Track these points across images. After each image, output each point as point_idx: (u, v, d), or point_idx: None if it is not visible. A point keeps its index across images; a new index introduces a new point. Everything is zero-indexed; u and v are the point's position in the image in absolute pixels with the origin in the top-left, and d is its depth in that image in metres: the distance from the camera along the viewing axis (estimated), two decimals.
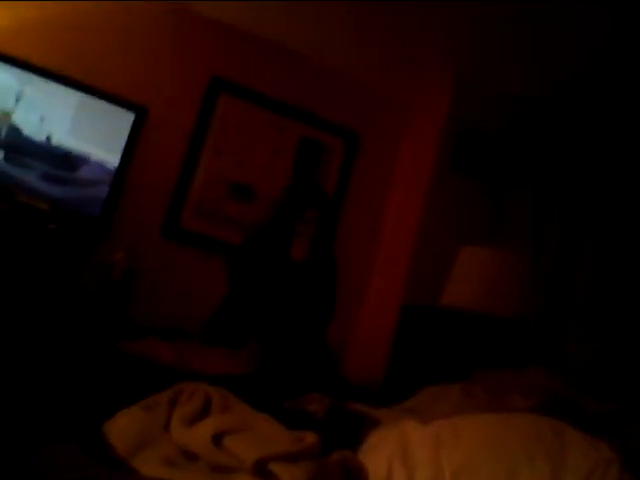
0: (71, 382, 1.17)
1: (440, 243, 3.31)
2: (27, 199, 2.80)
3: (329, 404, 1.69)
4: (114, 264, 2.79)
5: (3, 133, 2.91)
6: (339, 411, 1.66)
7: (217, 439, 0.94)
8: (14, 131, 2.92)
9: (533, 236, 3.30)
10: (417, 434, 1.35)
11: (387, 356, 3.23)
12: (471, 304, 2.96)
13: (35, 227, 2.71)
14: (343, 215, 3.59)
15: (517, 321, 2.87)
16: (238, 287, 2.33)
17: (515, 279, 2.97)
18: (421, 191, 3.51)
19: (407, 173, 3.70)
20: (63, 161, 2.98)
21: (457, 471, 1.26)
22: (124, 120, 3.07)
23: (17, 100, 2.93)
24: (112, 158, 3.03)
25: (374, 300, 3.56)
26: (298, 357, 2.31)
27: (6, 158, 2.89)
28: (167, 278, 3.11)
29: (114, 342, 1.57)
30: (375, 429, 1.53)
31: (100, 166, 3.02)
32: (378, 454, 1.30)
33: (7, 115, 2.91)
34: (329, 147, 3.63)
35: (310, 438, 1.02)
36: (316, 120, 3.59)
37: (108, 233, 2.99)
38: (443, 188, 3.43)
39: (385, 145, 3.72)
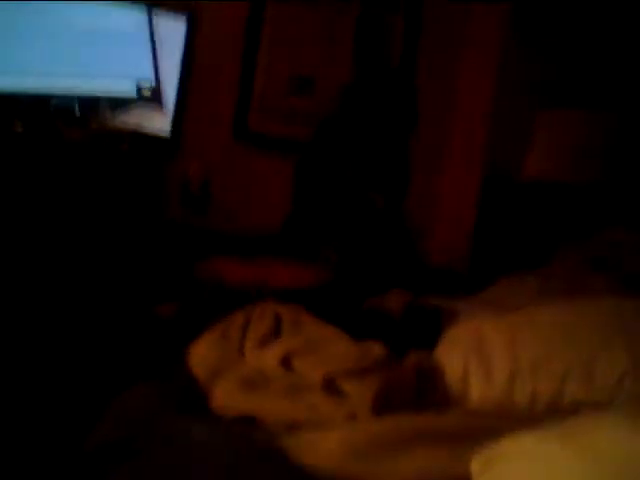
0: (149, 312, 1.25)
1: (518, 110, 3.15)
2: (99, 125, 2.87)
3: (407, 302, 1.72)
4: (190, 177, 2.85)
5: None
6: (417, 308, 1.69)
7: (286, 361, 0.98)
8: None
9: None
10: (492, 328, 1.35)
11: (471, 233, 3.20)
12: (556, 172, 2.85)
13: (110, 151, 2.80)
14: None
15: (606, 184, 2.73)
16: (303, 191, 2.34)
17: (602, 139, 2.81)
18: (492, 57, 3.32)
19: (476, 38, 3.48)
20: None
21: (535, 362, 1.26)
22: (177, 29, 3.00)
23: None
24: (173, 69, 3.01)
25: (454, 173, 3.47)
26: (376, 249, 2.34)
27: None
28: (243, 184, 3.15)
29: (191, 266, 1.64)
30: (453, 322, 1.55)
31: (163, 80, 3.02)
32: (454, 351, 1.32)
33: None
34: (389, 24, 3.43)
35: (376, 350, 1.05)
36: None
37: (178, 147, 3.02)
38: (513, 55, 3.22)
39: (449, 16, 3.47)
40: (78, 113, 2.83)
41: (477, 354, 1.30)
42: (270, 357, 1.00)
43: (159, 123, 2.96)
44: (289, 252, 2.12)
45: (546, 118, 2.93)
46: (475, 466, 0.79)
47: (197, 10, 3.04)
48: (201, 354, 1.04)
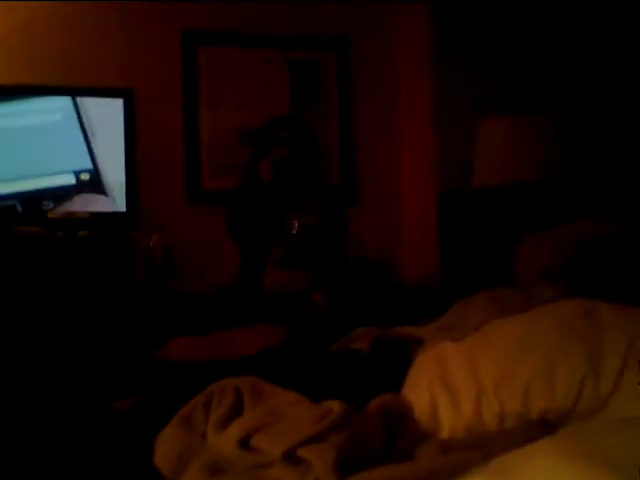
0: (108, 402, 1.26)
1: (460, 121, 3.23)
2: (58, 214, 2.91)
3: (373, 337, 1.74)
4: (152, 248, 2.88)
5: None
6: (384, 341, 1.71)
7: (244, 442, 1.00)
8: None
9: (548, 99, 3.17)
10: (451, 354, 1.38)
11: (437, 249, 3.25)
12: (504, 177, 2.91)
13: (69, 238, 2.82)
14: (356, 122, 3.54)
15: (553, 182, 2.81)
16: (238, 235, 2.42)
17: (542, 141, 2.89)
18: (426, 73, 3.40)
19: (408, 60, 3.57)
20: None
21: (497, 381, 1.29)
22: (115, 109, 3.05)
23: None
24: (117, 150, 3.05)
25: (411, 196, 3.54)
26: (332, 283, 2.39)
27: None
28: (205, 242, 3.17)
29: (151, 349, 1.66)
30: (419, 352, 1.58)
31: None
32: (419, 385, 1.34)
33: None
34: (321, 61, 3.52)
35: (336, 408, 1.07)
36: (301, 40, 3.47)
37: (136, 220, 3.05)
38: (448, 65, 3.30)
39: (378, 42, 3.57)
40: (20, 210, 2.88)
41: (442, 384, 1.33)
42: (228, 440, 1.01)
43: (104, 206, 3.00)
44: (249, 305, 2.19)
45: (486, 126, 3.00)
46: None
47: (133, 89, 3.10)
48: (165, 449, 1.05)
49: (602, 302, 1.40)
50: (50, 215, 2.95)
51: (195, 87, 3.36)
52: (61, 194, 2.98)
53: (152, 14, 3.25)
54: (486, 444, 1.13)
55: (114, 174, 3.03)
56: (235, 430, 1.02)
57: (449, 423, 1.27)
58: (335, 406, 1.08)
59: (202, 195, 3.34)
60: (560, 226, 2.36)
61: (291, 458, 0.97)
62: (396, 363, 1.57)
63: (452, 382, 1.32)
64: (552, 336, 1.32)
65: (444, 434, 1.26)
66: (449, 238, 3.09)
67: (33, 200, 2.95)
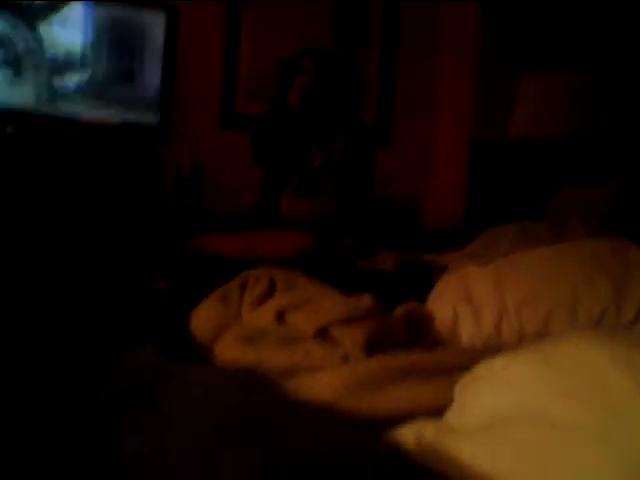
0: (150, 285, 1.31)
1: (501, 75, 3.21)
2: (91, 121, 2.94)
3: (398, 260, 1.78)
4: (182, 163, 2.91)
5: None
6: (408, 264, 1.75)
7: (280, 316, 1.05)
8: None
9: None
10: (478, 275, 1.42)
11: (464, 197, 3.26)
12: (540, 131, 2.90)
13: (103, 145, 2.86)
14: (397, 63, 3.52)
15: (590, 139, 2.79)
16: (262, 161, 2.44)
17: (580, 98, 2.87)
18: (472, 24, 3.35)
19: (455, 9, 3.52)
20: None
21: (520, 303, 1.32)
22: (157, 23, 3.04)
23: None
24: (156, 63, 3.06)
25: (444, 142, 3.53)
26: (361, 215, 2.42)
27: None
28: (234, 165, 3.20)
29: (186, 242, 1.70)
30: (443, 275, 1.62)
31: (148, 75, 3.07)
32: (443, 300, 1.38)
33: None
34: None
35: (367, 300, 1.11)
36: None
37: (170, 135, 3.08)
38: (495, 18, 3.26)
39: None
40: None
41: (465, 300, 1.36)
42: (265, 314, 1.06)
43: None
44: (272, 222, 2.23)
45: (528, 81, 2.98)
46: (456, 390, 0.86)
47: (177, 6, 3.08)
48: (201, 318, 1.11)
49: (632, 243, 1.42)
50: (84, 120, 2.97)
51: (238, 12, 3.34)
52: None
53: None
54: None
55: (150, 87, 3.04)
56: (272, 305, 1.06)
57: (468, 336, 1.31)
58: (366, 298, 1.12)
59: (234, 118, 3.35)
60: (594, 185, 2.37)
61: (322, 335, 1.01)
62: (419, 284, 1.60)
63: (475, 299, 1.36)
64: (579, 267, 1.35)
65: (463, 345, 1.31)
66: (478, 185, 3.10)
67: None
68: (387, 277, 1.67)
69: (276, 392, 0.82)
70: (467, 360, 1.05)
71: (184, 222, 2.51)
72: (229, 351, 1.00)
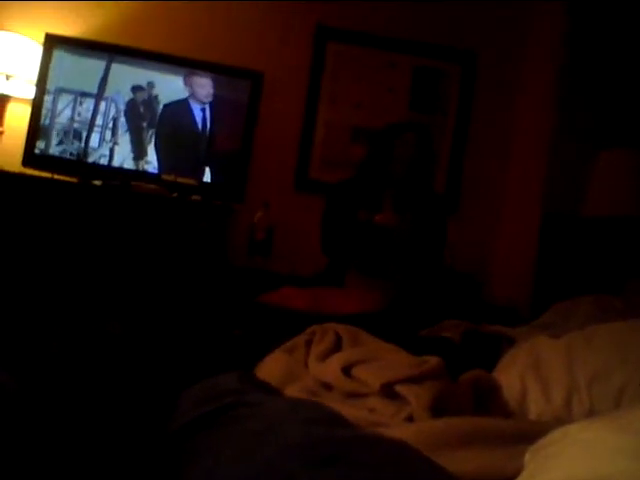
0: (224, 333, 1.34)
1: (574, 150, 3.19)
2: (173, 177, 3.09)
3: (465, 328, 1.76)
4: (255, 224, 3.00)
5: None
6: (475, 334, 1.73)
7: (346, 370, 1.06)
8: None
9: None
10: (548, 347, 1.38)
11: (532, 272, 3.20)
12: (617, 210, 2.85)
13: (181, 201, 2.99)
14: (470, 133, 3.56)
15: None
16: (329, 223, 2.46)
17: None
18: (549, 98, 3.37)
19: (531, 83, 3.56)
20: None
21: (592, 378, 1.28)
22: (243, 88, 3.22)
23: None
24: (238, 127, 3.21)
25: (512, 215, 3.51)
26: (429, 286, 2.39)
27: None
28: (304, 229, 3.27)
29: (256, 296, 1.74)
30: (511, 346, 1.58)
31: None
32: (511, 370, 1.35)
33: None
34: (445, 72, 3.57)
35: (434, 361, 1.10)
36: (428, 48, 3.54)
37: (243, 196, 3.19)
38: (570, 92, 3.27)
39: (505, 62, 3.59)
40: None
41: (534, 372, 1.33)
42: (331, 367, 1.07)
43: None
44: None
45: (606, 157, 2.96)
46: (527, 456, 0.83)
47: (262, 72, 3.26)
48: (268, 368, 1.13)
49: None
50: (164, 177, 3.13)
51: (319, 80, 3.49)
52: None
53: (291, 5, 3.40)
54: None
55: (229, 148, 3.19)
56: (339, 358, 1.07)
57: (537, 410, 1.27)
58: (433, 359, 1.11)
59: (307, 184, 3.45)
60: None
61: (388, 392, 1.01)
62: (486, 355, 1.57)
63: (545, 372, 1.32)
64: None
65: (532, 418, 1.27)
66: (547, 262, 3.04)
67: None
68: (453, 345, 1.65)
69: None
70: (536, 431, 1.02)
71: (254, 281, 2.56)
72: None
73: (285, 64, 3.41)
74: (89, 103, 3.09)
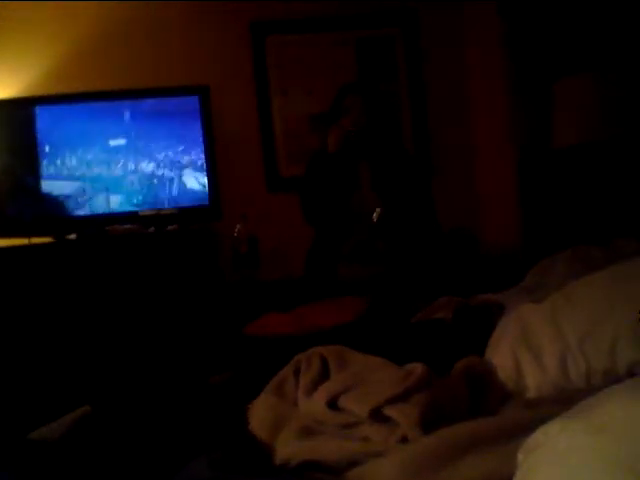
0: (204, 378, 1.35)
1: (534, 84, 3.16)
2: (151, 212, 3.08)
3: (455, 306, 1.76)
4: (237, 239, 2.99)
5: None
6: (466, 309, 1.73)
7: (332, 403, 1.06)
8: None
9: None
10: (534, 314, 1.38)
11: (518, 215, 3.19)
12: (588, 136, 2.83)
13: (160, 233, 2.99)
14: (428, 95, 3.52)
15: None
16: (316, 223, 2.43)
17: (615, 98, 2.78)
18: (497, 39, 3.33)
19: (478, 27, 3.51)
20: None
21: (581, 337, 1.28)
22: (191, 105, 3.18)
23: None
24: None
25: (487, 164, 3.49)
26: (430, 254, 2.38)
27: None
28: (286, 229, 3.26)
29: (243, 325, 1.74)
30: (502, 316, 1.59)
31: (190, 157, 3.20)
32: (502, 348, 1.35)
33: None
34: (388, 37, 3.52)
35: (418, 370, 1.10)
36: (365, 18, 3.48)
37: (221, 214, 3.17)
38: (520, 26, 3.22)
39: (446, 11, 3.53)
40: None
41: (525, 344, 1.33)
42: (317, 402, 1.07)
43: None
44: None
45: (562, 86, 2.93)
46: (518, 458, 0.84)
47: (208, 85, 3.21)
48: (258, 415, 1.13)
49: None
50: (141, 213, 3.11)
51: (265, 77, 3.44)
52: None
53: (219, 8, 3.35)
54: (574, 400, 1.13)
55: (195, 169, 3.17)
56: (323, 393, 1.08)
57: (534, 383, 1.28)
58: (417, 368, 1.11)
59: (280, 183, 3.43)
60: None
61: (378, 417, 1.01)
62: (479, 330, 1.58)
63: (535, 341, 1.32)
64: (635, 289, 1.30)
65: (530, 394, 1.27)
66: (530, 203, 3.04)
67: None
68: (446, 327, 1.65)
69: None
70: (531, 419, 1.03)
71: (244, 297, 2.56)
72: (287, 447, 1.02)
73: (228, 71, 3.37)
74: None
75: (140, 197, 3.13)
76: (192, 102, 3.18)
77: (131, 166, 3.14)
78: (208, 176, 3.18)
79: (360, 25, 3.50)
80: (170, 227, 2.99)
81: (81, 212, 3.06)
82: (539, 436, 0.82)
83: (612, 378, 1.23)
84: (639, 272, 1.37)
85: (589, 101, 2.82)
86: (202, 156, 3.16)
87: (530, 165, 3.09)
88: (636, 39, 3.02)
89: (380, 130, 2.49)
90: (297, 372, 1.24)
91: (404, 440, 0.99)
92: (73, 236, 2.95)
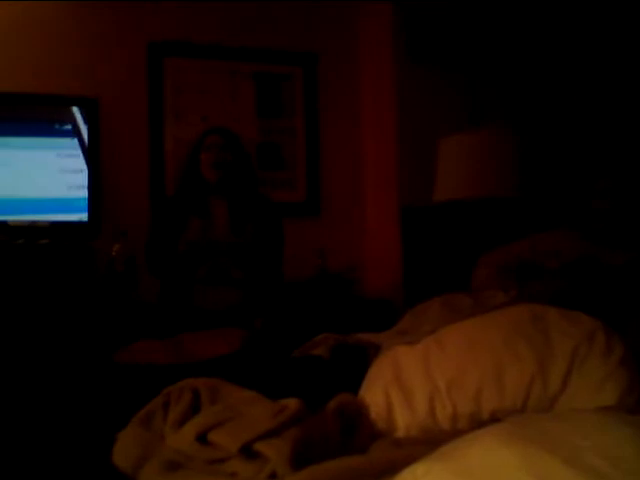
0: (72, 403, 1.27)
1: (423, 140, 3.31)
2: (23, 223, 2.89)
3: (333, 343, 1.78)
4: (113, 257, 2.86)
5: None
6: (343, 348, 1.75)
7: (202, 437, 1.02)
8: None
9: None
10: (407, 355, 1.42)
11: (400, 263, 3.31)
12: (464, 193, 2.99)
13: (30, 246, 2.80)
14: (321, 135, 3.60)
15: (516, 199, 2.89)
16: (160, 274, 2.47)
17: (502, 157, 2.97)
18: (389, 90, 3.47)
19: (372, 77, 3.65)
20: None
21: (450, 383, 1.33)
22: (77, 119, 3.05)
23: None
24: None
25: (373, 211, 3.60)
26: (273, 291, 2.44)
27: None
28: None
29: (112, 353, 1.66)
30: (377, 356, 1.62)
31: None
32: (375, 387, 1.38)
33: None
34: (287, 75, 3.58)
35: (292, 405, 1.09)
36: (268, 53, 3.53)
37: (99, 231, 3.04)
38: (412, 82, 3.38)
39: (344, 58, 3.65)
40: None
41: (397, 384, 1.36)
42: (185, 436, 1.03)
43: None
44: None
45: (446, 143, 3.09)
46: None
47: (97, 98, 3.10)
48: (124, 448, 1.07)
49: (550, 307, 1.45)
50: (12, 223, 2.92)
51: (160, 98, 3.38)
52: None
53: (118, 25, 3.27)
54: (440, 442, 1.17)
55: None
56: (193, 426, 1.04)
57: (404, 423, 1.31)
58: (291, 403, 1.10)
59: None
60: (515, 242, 2.46)
61: (248, 453, 0.99)
62: (355, 368, 1.60)
63: (407, 383, 1.36)
64: (501, 338, 1.38)
65: (399, 433, 1.30)
66: (411, 251, 3.16)
67: None
68: (323, 363, 1.66)
69: None
70: (400, 457, 1.05)
71: (117, 319, 2.46)
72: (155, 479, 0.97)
73: (122, 87, 3.27)
74: None
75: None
76: (78, 113, 3.06)
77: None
78: (89, 192, 3.04)
79: (260, 59, 3.53)
80: (42, 241, 2.82)
81: None
82: (406, 476, 0.83)
83: (476, 422, 1.29)
84: (502, 322, 1.46)
85: (463, 159, 2.99)
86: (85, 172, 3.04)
87: (412, 215, 3.22)
88: (523, 101, 3.27)
89: (238, 169, 2.60)
90: (166, 405, 1.19)
91: (273, 476, 0.97)
92: None
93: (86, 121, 3.04)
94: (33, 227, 2.91)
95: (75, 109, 3.04)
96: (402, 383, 1.36)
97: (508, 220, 2.84)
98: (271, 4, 3.49)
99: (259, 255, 2.46)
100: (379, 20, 3.49)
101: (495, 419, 1.29)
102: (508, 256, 2.36)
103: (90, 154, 3.06)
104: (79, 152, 3.04)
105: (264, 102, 3.54)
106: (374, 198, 3.55)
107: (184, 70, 3.42)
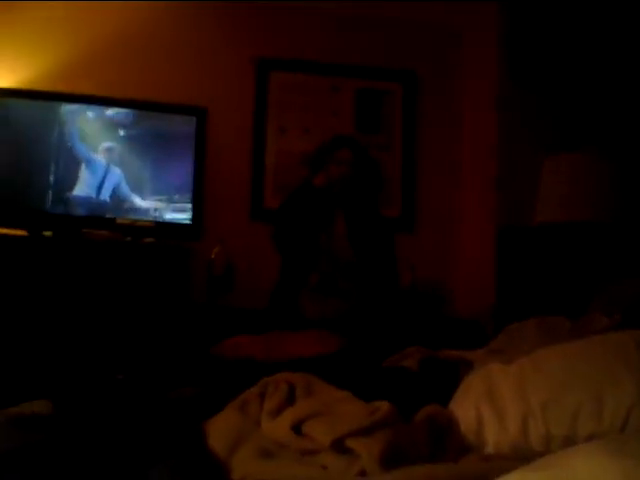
0: (172, 391, 1.33)
1: (523, 159, 3.25)
2: (128, 221, 3.07)
3: (423, 356, 1.77)
4: (213, 261, 2.98)
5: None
6: (432, 361, 1.74)
7: (297, 427, 1.05)
8: None
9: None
10: (500, 374, 1.40)
11: (494, 284, 3.24)
12: (565, 215, 2.90)
13: (136, 244, 2.96)
14: (419, 152, 3.61)
15: (613, 225, 2.78)
16: (285, 252, 2.45)
17: (607, 182, 2.87)
18: (491, 110, 3.44)
19: (474, 96, 3.63)
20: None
21: (545, 404, 1.30)
22: (187, 126, 3.21)
23: None
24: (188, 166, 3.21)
25: (468, 229, 3.56)
26: (387, 307, 2.42)
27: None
28: (263, 260, 3.26)
29: (212, 345, 1.73)
30: (469, 373, 1.60)
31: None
32: (466, 401, 1.36)
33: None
34: (388, 91, 3.62)
35: (384, 407, 1.11)
36: (369, 70, 3.59)
37: (200, 233, 3.18)
38: (513, 104, 3.35)
39: (444, 76, 3.66)
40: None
41: (489, 402, 1.35)
42: (281, 425, 1.06)
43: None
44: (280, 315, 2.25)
45: (551, 163, 3.02)
46: None
47: (206, 108, 3.26)
48: (220, 429, 1.11)
49: None
50: (118, 221, 3.10)
51: (265, 110, 3.50)
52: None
53: (229, 40, 3.43)
54: (532, 459, 1.14)
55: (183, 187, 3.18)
56: (289, 416, 1.07)
57: (494, 439, 1.29)
58: (384, 405, 1.12)
59: (263, 213, 3.45)
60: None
61: (339, 447, 1.01)
62: (444, 382, 1.59)
63: (499, 400, 1.34)
64: (602, 364, 1.33)
65: (489, 450, 1.28)
66: (507, 273, 3.09)
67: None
68: (411, 375, 1.66)
69: None
70: (489, 469, 1.04)
71: (214, 321, 2.54)
72: (246, 466, 1.00)
73: (229, 98, 3.42)
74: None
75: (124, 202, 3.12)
76: (189, 122, 3.22)
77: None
78: (193, 195, 3.19)
79: (361, 76, 3.59)
80: (147, 239, 2.98)
81: (58, 210, 3.04)
82: None
83: (571, 444, 1.25)
84: (604, 348, 1.41)
85: (572, 180, 2.90)
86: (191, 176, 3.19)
87: (510, 236, 3.15)
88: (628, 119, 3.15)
89: (361, 187, 2.59)
90: (262, 395, 1.23)
91: (362, 473, 0.98)
92: (49, 233, 2.91)
93: (195, 129, 3.20)
94: (137, 226, 3.08)
95: (187, 118, 3.20)
96: (494, 400, 1.34)
97: (606, 247, 2.72)
98: (374, 24, 3.55)
99: (373, 270, 2.45)
100: (483, 45, 3.48)
101: None
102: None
103: (196, 160, 3.21)
104: (189, 158, 3.19)
105: (363, 117, 3.60)
106: (470, 217, 3.51)
107: (288, 84, 3.53)
